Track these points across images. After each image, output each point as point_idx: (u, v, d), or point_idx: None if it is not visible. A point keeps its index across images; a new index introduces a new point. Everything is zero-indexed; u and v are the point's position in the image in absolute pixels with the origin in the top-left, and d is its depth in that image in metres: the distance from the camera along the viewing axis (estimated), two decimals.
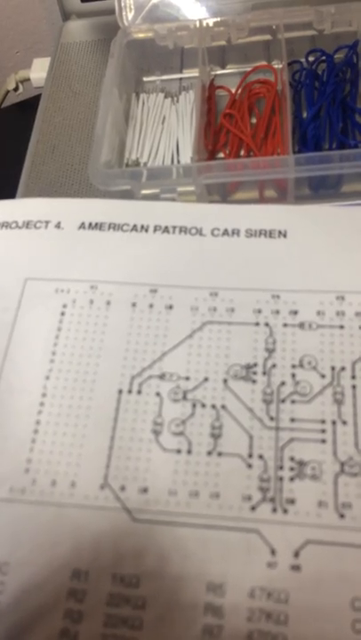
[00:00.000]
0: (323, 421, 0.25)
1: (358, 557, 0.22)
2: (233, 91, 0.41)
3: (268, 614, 0.21)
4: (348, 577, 0.21)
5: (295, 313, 0.28)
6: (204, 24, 0.41)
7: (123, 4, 0.43)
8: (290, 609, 0.21)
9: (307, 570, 0.22)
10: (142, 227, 0.31)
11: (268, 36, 0.42)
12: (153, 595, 0.22)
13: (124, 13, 0.42)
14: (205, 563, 0.22)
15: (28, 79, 0.49)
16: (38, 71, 0.48)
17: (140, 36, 0.41)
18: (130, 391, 0.26)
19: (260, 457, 0.24)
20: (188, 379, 0.26)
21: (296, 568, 0.22)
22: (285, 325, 0.27)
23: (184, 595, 0.22)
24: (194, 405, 0.26)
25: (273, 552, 0.22)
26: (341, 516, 0.23)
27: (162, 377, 0.27)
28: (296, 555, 0.22)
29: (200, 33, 0.41)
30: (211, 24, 0.41)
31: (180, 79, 0.44)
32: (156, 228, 0.31)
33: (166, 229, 0.31)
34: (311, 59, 0.40)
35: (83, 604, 0.22)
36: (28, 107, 0.48)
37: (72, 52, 0.48)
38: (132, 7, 0.43)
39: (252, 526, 0.23)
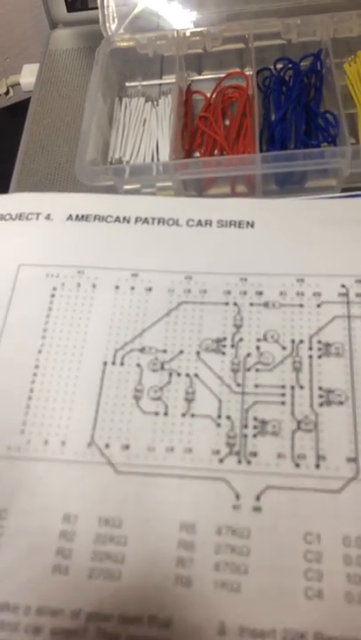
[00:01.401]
0: (283, 386, 0.27)
1: (310, 499, 0.25)
2: (208, 95, 0.43)
3: (233, 548, 0.24)
4: (301, 515, 0.24)
5: (260, 294, 0.30)
6: (182, 34, 0.42)
7: (106, 15, 0.44)
8: (251, 543, 0.24)
9: (266, 511, 0.25)
10: (124, 218, 0.33)
11: (240, 45, 0.43)
12: (133, 533, 0.25)
13: (107, 23, 0.44)
14: (179, 507, 0.25)
15: (18, 84, 0.51)
16: (28, 76, 0.50)
17: (123, 44, 0.43)
18: (113, 363, 0.29)
19: (228, 417, 0.27)
20: (165, 351, 0.29)
21: (257, 509, 0.25)
22: (252, 304, 0.30)
23: (160, 533, 0.24)
24: (170, 374, 0.28)
25: (238, 496, 0.25)
26: (297, 465, 0.25)
27: (142, 350, 0.29)
28: (257, 498, 0.25)
29: (178, 42, 0.42)
30: (188, 34, 0.42)
31: (160, 84, 0.45)
32: (136, 220, 0.33)
33: (146, 220, 0.33)
34: (279, 66, 0.41)
35: (73, 543, 0.25)
36: (19, 109, 0.49)
37: (59, 58, 0.49)
38: (115, 17, 0.45)
39: (220, 475, 0.26)
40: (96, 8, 0.44)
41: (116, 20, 0.45)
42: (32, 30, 0.58)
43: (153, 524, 0.25)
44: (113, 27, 0.44)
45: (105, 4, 0.44)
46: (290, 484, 0.25)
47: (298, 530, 0.24)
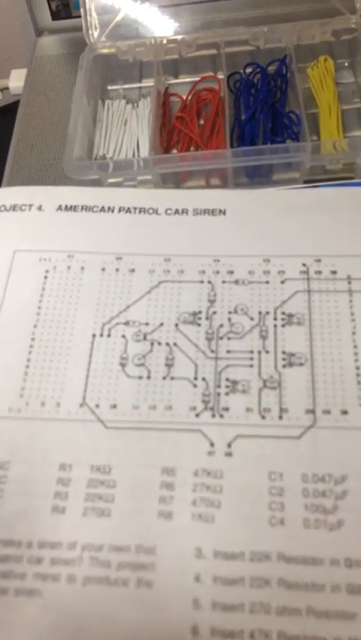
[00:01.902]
0: (251, 352, 0.31)
1: (274, 444, 0.28)
2: (184, 97, 0.45)
3: (208, 486, 0.27)
4: (266, 458, 0.28)
5: (231, 272, 0.34)
6: (159, 41, 0.45)
7: (89, 23, 0.47)
8: (224, 482, 0.27)
9: (236, 455, 0.28)
10: (109, 208, 0.36)
11: (213, 51, 0.46)
12: (121, 478, 0.28)
13: (90, 31, 0.47)
14: (161, 454, 0.28)
15: (7, 88, 0.54)
16: (16, 81, 0.53)
17: (105, 51, 0.46)
18: (101, 335, 0.32)
19: (203, 379, 0.30)
20: (147, 324, 0.32)
21: (229, 454, 0.28)
22: (224, 282, 0.33)
23: (145, 476, 0.28)
24: (152, 344, 0.32)
25: (212, 444, 0.28)
26: (263, 417, 0.29)
27: (127, 323, 0.33)
28: (229, 445, 0.28)
29: (156, 48, 0.45)
30: (165, 41, 0.45)
31: (140, 87, 0.47)
32: (120, 209, 0.36)
33: (129, 210, 0.36)
34: (248, 70, 0.44)
35: (69, 487, 0.28)
36: (8, 111, 0.52)
37: (45, 63, 0.52)
38: (97, 25, 0.48)
39: (197, 427, 0.29)
40: (79, 17, 0.46)
41: (98, 27, 0.47)
42: (19, 37, 0.60)
43: (138, 470, 0.28)
44: (95, 34, 0.46)
45: (88, 13, 0.46)
46: (257, 432, 0.28)
47: (263, 470, 0.27)
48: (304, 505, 0.26)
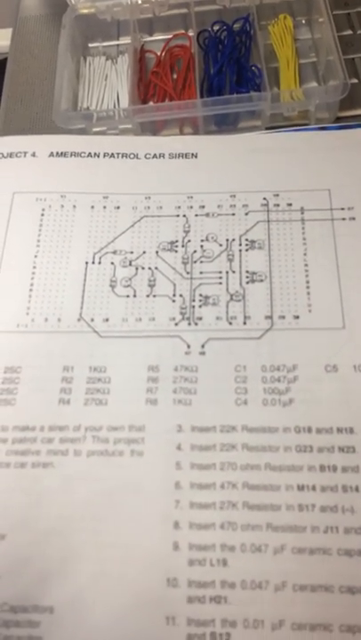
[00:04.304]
0: (220, 272, 0.36)
1: (239, 344, 0.33)
2: (158, 53, 0.49)
3: (186, 378, 0.33)
4: (233, 354, 0.33)
5: (203, 207, 0.38)
6: (135, 1, 0.47)
7: None
8: (199, 374, 0.32)
9: (209, 353, 0.33)
10: (95, 154, 0.40)
11: (184, 10, 0.49)
12: (115, 375, 0.33)
13: None
14: (147, 355, 0.33)
15: None
16: (2, 40, 0.55)
17: (85, 11, 0.48)
18: (93, 262, 0.37)
19: (181, 295, 0.35)
20: (132, 252, 0.37)
21: (202, 353, 0.33)
22: (196, 215, 0.38)
23: (134, 373, 0.33)
24: (136, 268, 0.37)
25: (188, 346, 0.34)
26: (230, 323, 0.34)
27: (114, 252, 0.37)
28: (202, 346, 0.34)
29: (131, 8, 0.47)
30: (140, 1, 0.47)
31: (118, 45, 0.50)
32: (105, 155, 0.40)
33: (112, 155, 0.40)
34: (216, 28, 0.47)
35: (71, 384, 0.33)
36: None
37: (29, 23, 0.55)
38: None
39: (176, 334, 0.34)
40: None
41: None
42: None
43: (128, 368, 0.33)
44: None
45: None
46: (225, 335, 0.34)
47: (230, 363, 0.33)
48: (263, 389, 0.32)
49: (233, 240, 0.36)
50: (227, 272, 0.35)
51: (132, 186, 0.39)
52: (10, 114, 0.49)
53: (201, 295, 0.35)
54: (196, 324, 0.34)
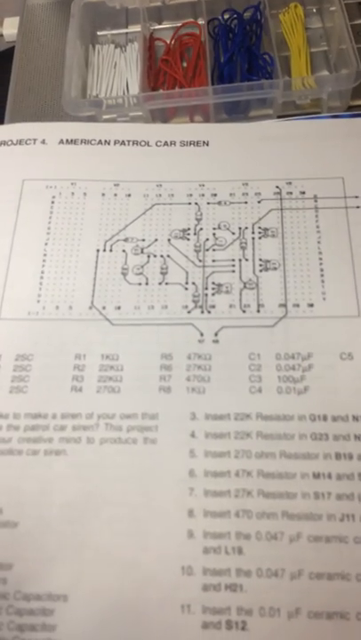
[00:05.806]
0: (233, 260, 0.36)
1: (253, 332, 0.33)
2: (168, 41, 0.48)
3: (199, 366, 0.32)
4: (247, 342, 0.32)
5: (215, 195, 0.38)
6: None
7: None
8: (212, 362, 0.32)
9: (222, 342, 0.33)
10: (106, 141, 0.40)
11: None
12: (127, 363, 0.32)
13: None
14: (160, 343, 0.33)
15: (2, 35, 0.56)
16: (9, 28, 0.55)
17: None
18: (104, 250, 0.37)
19: (193, 283, 0.35)
20: (143, 240, 0.37)
21: (216, 341, 0.33)
22: (208, 203, 0.38)
23: (147, 361, 0.32)
24: (148, 256, 0.36)
25: (202, 334, 0.33)
26: (244, 311, 0.34)
27: (126, 240, 0.37)
28: (216, 334, 0.33)
29: None
30: None
31: (127, 33, 0.50)
32: (115, 142, 0.40)
33: (123, 143, 0.40)
34: (226, 16, 0.47)
35: (84, 372, 0.33)
36: (4, 57, 0.54)
37: (37, 12, 0.54)
38: None
39: (189, 322, 0.34)
40: None
41: None
42: None
43: (141, 356, 0.33)
44: None
45: None
46: (239, 324, 0.33)
47: (244, 351, 0.32)
48: (278, 377, 0.32)
49: (246, 228, 0.36)
50: (240, 260, 0.35)
51: (144, 173, 0.39)
52: (18, 102, 0.49)
53: (214, 283, 0.35)
54: (209, 312, 0.34)
